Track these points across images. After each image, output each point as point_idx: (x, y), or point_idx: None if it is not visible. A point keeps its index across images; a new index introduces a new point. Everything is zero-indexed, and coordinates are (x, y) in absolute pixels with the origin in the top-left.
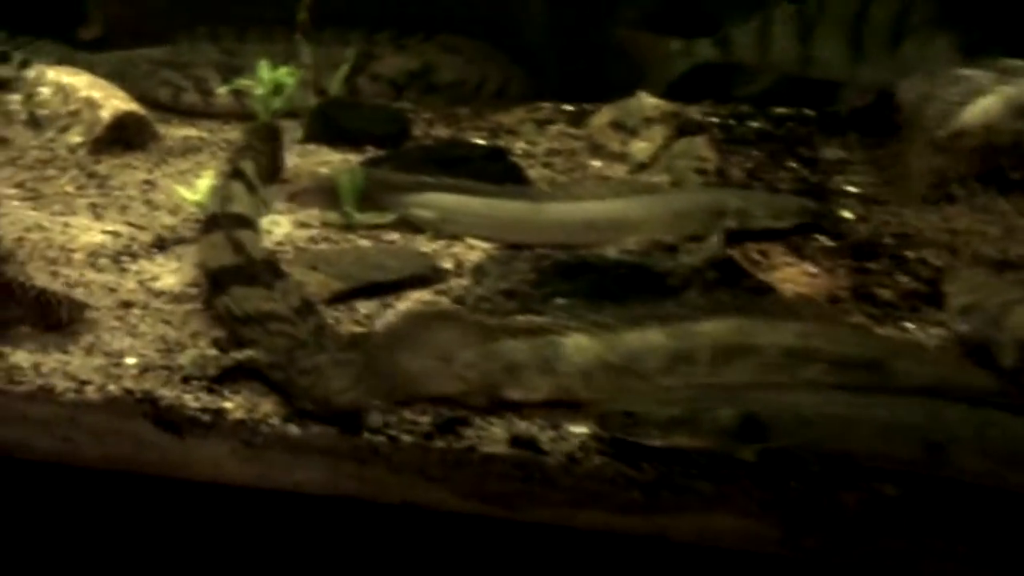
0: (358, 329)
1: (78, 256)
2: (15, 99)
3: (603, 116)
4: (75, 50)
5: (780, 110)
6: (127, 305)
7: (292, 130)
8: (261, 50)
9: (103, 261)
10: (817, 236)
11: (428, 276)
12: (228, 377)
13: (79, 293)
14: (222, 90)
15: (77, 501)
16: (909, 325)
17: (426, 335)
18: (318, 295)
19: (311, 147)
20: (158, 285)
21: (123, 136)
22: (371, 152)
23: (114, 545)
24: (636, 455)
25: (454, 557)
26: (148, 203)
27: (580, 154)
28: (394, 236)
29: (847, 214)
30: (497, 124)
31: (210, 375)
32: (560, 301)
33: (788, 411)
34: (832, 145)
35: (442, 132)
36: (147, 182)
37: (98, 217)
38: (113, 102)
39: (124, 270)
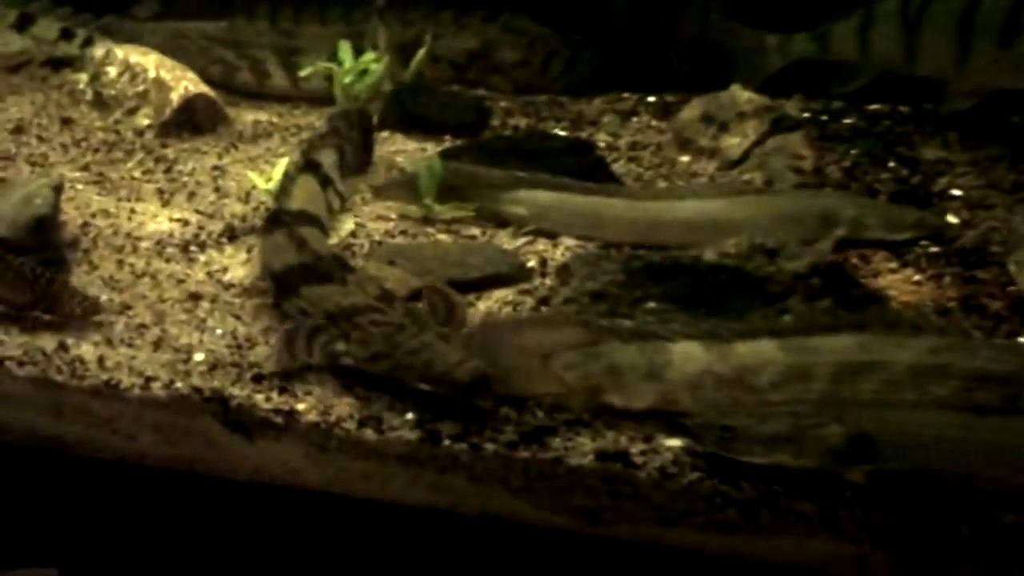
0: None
1: (144, 244)
2: (81, 78)
3: (692, 109)
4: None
5: (874, 107)
6: (196, 297)
7: None
8: (319, 31)
9: (171, 250)
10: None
11: (512, 275)
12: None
13: (145, 283)
14: (303, 72)
15: (140, 501)
16: (1022, 340)
17: (526, 332)
18: (396, 292)
19: (385, 135)
20: (228, 277)
21: (192, 119)
22: (448, 141)
23: (176, 547)
24: (734, 472)
25: (533, 574)
26: (218, 190)
27: (667, 148)
28: (475, 231)
29: (952, 219)
30: (578, 114)
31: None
32: (651, 305)
33: (901, 431)
34: (932, 145)
35: (520, 122)
36: (217, 168)
37: (166, 204)
38: (183, 84)
39: (192, 260)
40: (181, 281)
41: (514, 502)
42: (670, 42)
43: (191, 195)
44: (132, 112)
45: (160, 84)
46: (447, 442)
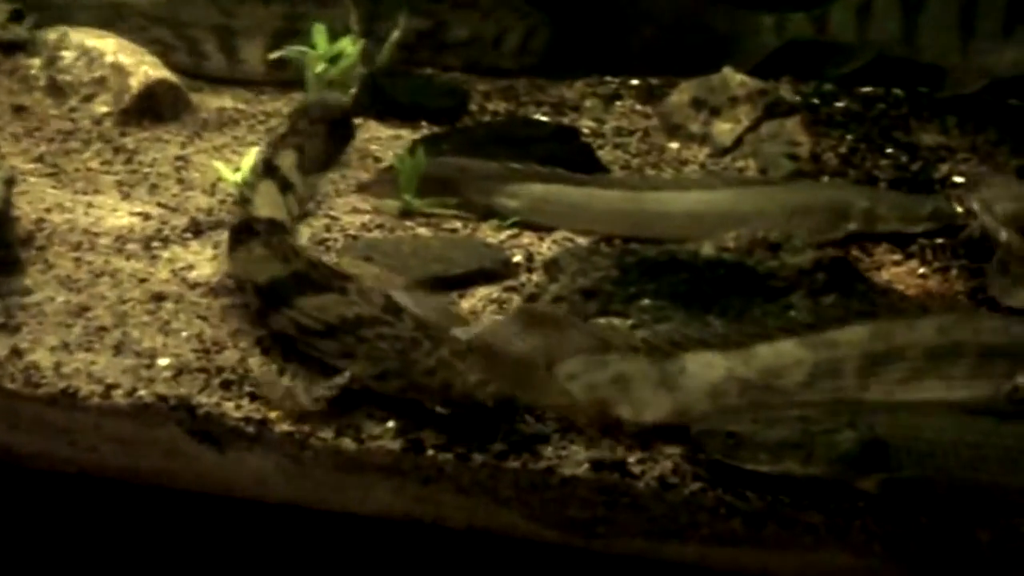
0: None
1: (104, 241)
2: (34, 63)
3: (681, 93)
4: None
5: (866, 90)
6: (159, 298)
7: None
8: (261, 12)
9: (132, 247)
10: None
11: (497, 271)
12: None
13: (105, 283)
14: (273, 56)
15: (102, 515)
16: None
17: (528, 340)
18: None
19: (359, 121)
20: (193, 275)
21: (153, 106)
22: (425, 128)
23: (141, 564)
24: (739, 481)
25: None
26: (181, 182)
27: (654, 134)
28: (456, 225)
29: (957, 207)
30: (559, 99)
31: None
32: (645, 302)
33: (916, 436)
34: (929, 130)
35: (499, 106)
36: (180, 158)
37: (126, 197)
38: (143, 69)
39: (155, 257)
40: (143, 280)
41: (503, 514)
42: (634, 20)
43: (153, 187)
44: (89, 99)
45: (119, 69)
46: (431, 451)
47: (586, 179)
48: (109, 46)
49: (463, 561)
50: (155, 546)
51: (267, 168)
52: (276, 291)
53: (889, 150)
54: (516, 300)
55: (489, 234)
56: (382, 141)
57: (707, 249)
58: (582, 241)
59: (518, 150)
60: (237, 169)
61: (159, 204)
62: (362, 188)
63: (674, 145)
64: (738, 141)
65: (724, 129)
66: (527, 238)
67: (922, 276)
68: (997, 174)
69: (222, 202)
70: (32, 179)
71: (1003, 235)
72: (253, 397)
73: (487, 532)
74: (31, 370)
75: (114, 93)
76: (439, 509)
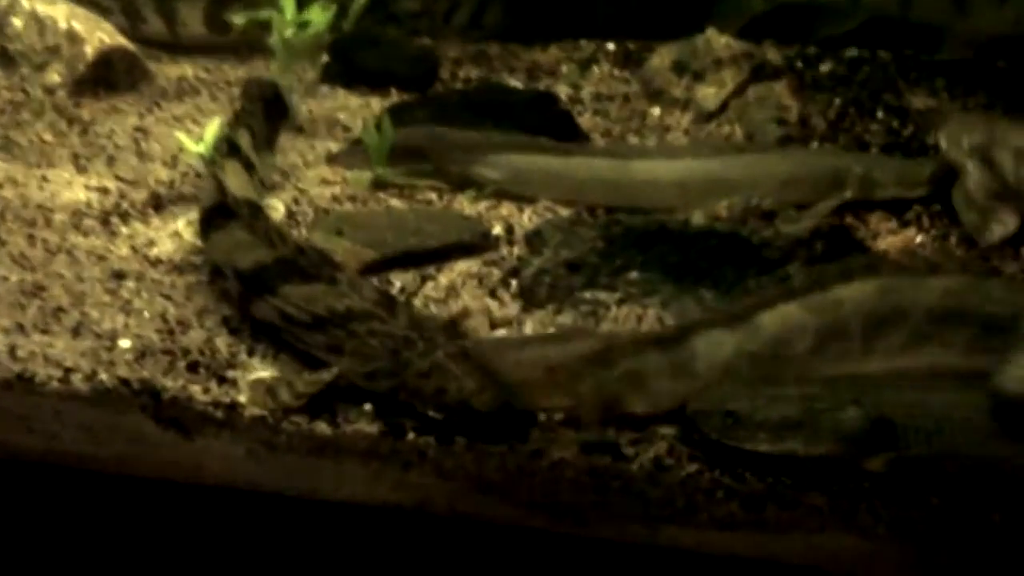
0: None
1: (59, 217)
2: None
3: (662, 56)
4: None
5: (852, 53)
6: (119, 276)
7: (304, 70)
8: None
9: (89, 223)
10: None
11: (475, 243)
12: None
13: (61, 261)
14: (237, 21)
15: (62, 506)
16: None
17: (531, 347)
18: (347, 265)
19: (325, 90)
20: (155, 252)
21: (109, 75)
22: (395, 95)
23: (104, 556)
24: (738, 462)
25: None
26: (140, 154)
27: (635, 100)
28: (431, 196)
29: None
30: (532, 64)
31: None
32: (633, 275)
33: (925, 413)
34: (919, 94)
35: (471, 72)
36: (139, 129)
37: (82, 170)
38: (98, 36)
39: (114, 234)
40: (102, 258)
41: (488, 500)
42: None
43: (110, 160)
44: (41, 68)
45: (72, 36)
46: (412, 435)
47: (568, 147)
48: (61, 12)
49: (446, 549)
50: (119, 536)
51: (231, 147)
52: (260, 278)
53: (880, 114)
54: (497, 274)
55: (466, 205)
56: (351, 110)
57: (698, 218)
58: (564, 212)
59: (494, 118)
60: (200, 140)
61: (117, 177)
62: (332, 160)
63: (656, 111)
64: (723, 106)
65: (708, 93)
66: (506, 209)
67: (920, 245)
68: (964, 111)
69: (184, 175)
70: None
71: (969, 167)
72: (221, 380)
73: (471, 518)
74: None
75: (67, 62)
76: (421, 494)
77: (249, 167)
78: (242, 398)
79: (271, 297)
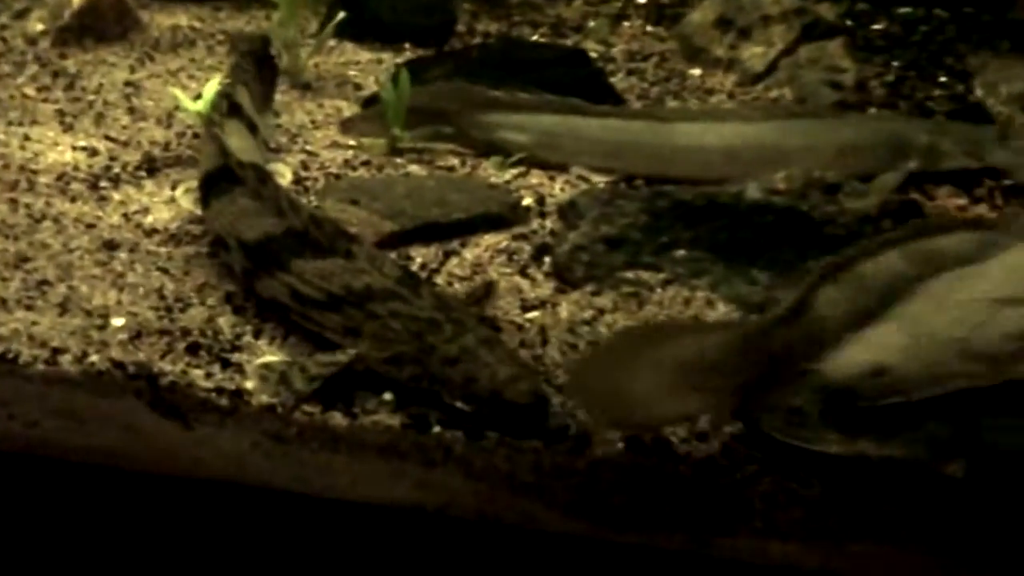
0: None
1: (44, 180)
2: None
3: (704, 12)
4: None
5: (904, 10)
6: (111, 246)
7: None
8: None
9: (76, 187)
10: None
11: (504, 215)
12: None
13: (47, 229)
14: None
15: (44, 502)
16: None
17: (641, 347)
18: (363, 238)
19: (333, 43)
20: (149, 220)
21: (96, 24)
22: (409, 51)
23: (92, 557)
24: (802, 465)
25: None
26: (132, 111)
27: (673, 59)
28: (452, 162)
29: None
30: (556, 19)
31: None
32: (680, 253)
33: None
34: (980, 55)
35: (490, 27)
36: (129, 84)
37: (68, 128)
38: None
39: (104, 199)
40: (91, 226)
41: (520, 502)
42: None
43: (99, 118)
44: (22, 16)
45: None
46: (437, 428)
47: (603, 109)
48: None
49: (472, 555)
50: (107, 537)
51: (232, 106)
52: (268, 250)
53: (942, 78)
54: (528, 250)
55: (492, 173)
56: (361, 65)
57: (752, 192)
58: (599, 180)
59: (520, 77)
60: (198, 97)
61: (107, 137)
62: (345, 125)
63: (696, 71)
64: (772, 67)
65: (755, 53)
66: (535, 178)
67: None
68: (1000, 58)
69: (180, 135)
70: None
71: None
72: (225, 364)
73: (501, 522)
74: None
75: (50, 8)
76: (445, 495)
77: (252, 128)
78: (248, 384)
79: (281, 273)
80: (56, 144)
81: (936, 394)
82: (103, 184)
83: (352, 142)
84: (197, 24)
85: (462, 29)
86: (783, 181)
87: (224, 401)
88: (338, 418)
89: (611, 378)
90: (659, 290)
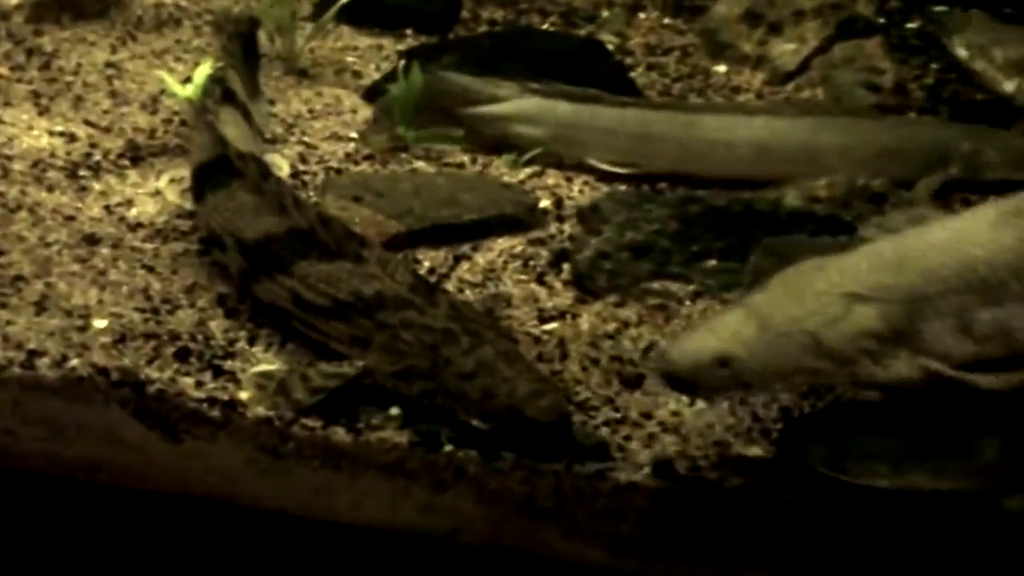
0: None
1: (18, 167)
2: None
3: (731, 5)
4: None
5: (940, 9)
6: (92, 241)
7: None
8: None
9: (54, 175)
10: None
11: (520, 218)
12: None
13: (22, 220)
14: None
15: (18, 517)
16: None
17: None
18: (368, 239)
19: (329, 26)
20: (133, 214)
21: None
22: (411, 38)
23: None
24: (847, 498)
25: None
26: (113, 95)
27: (695, 55)
28: (462, 159)
29: None
30: (567, 7)
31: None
32: (711, 263)
33: None
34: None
35: (495, 15)
36: (111, 65)
37: (44, 112)
38: None
39: (84, 189)
40: (70, 218)
41: (538, 529)
42: None
43: (77, 101)
44: None
45: None
46: (448, 447)
47: (625, 100)
48: None
49: None
50: (89, 557)
51: (226, 92)
52: (269, 251)
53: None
54: (545, 255)
55: (505, 172)
56: (360, 51)
57: (792, 199)
58: (620, 181)
59: (533, 68)
60: (187, 81)
61: (86, 122)
62: (364, 136)
63: (721, 68)
64: (804, 65)
65: (787, 50)
66: (552, 178)
67: None
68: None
69: (167, 122)
70: None
71: (1008, 87)
72: (217, 372)
73: (517, 551)
74: None
75: None
76: (456, 520)
77: (247, 117)
78: (243, 395)
79: (282, 275)
80: (31, 128)
81: (780, 390)
82: (83, 173)
83: (353, 134)
84: (183, 2)
85: (466, 16)
86: (824, 188)
87: (216, 412)
88: (341, 434)
89: None
90: (688, 303)
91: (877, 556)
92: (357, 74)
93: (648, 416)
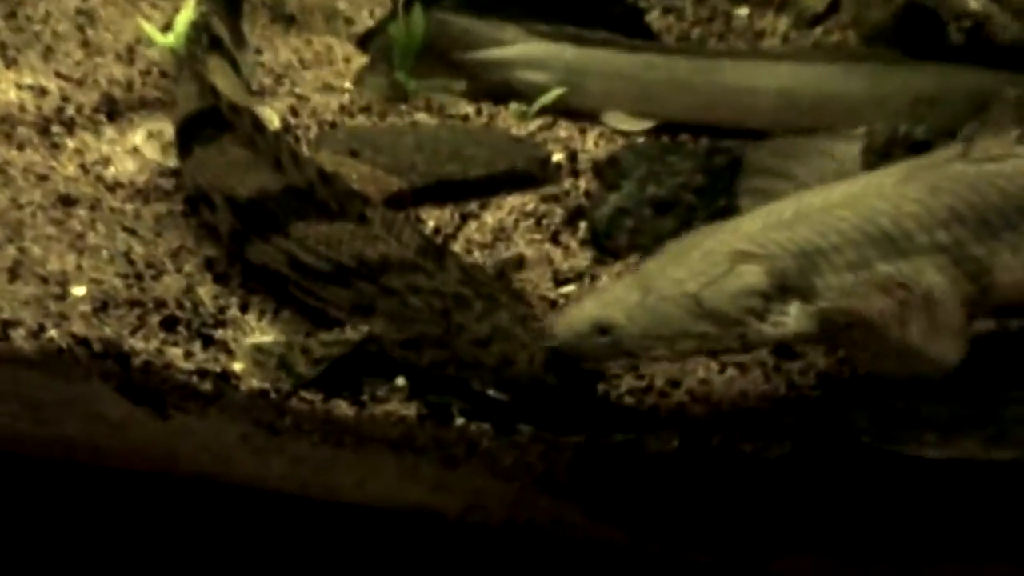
0: None
1: None
2: None
3: None
4: None
5: None
6: (67, 202)
7: None
8: None
9: (24, 131)
10: None
11: (531, 172)
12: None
13: None
14: None
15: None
16: None
17: None
18: (367, 195)
19: None
20: (111, 172)
21: None
22: None
23: (53, 562)
24: (894, 470)
25: None
26: (86, 44)
27: None
28: (466, 109)
29: None
30: None
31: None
32: None
33: None
34: None
35: None
36: (82, 12)
37: (11, 64)
38: None
39: (57, 147)
40: (43, 177)
41: (556, 507)
42: None
43: (47, 51)
44: None
45: None
46: (460, 420)
47: (639, 44)
48: None
49: (499, 568)
50: (71, 543)
51: (213, 40)
52: (263, 210)
53: None
54: (559, 213)
55: (512, 123)
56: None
57: None
58: (636, 129)
59: (540, 11)
60: (167, 28)
61: (57, 74)
62: (359, 81)
63: (743, 11)
64: (832, 6)
65: None
66: (564, 130)
67: None
68: None
69: (144, 73)
70: None
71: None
72: (208, 342)
73: (533, 530)
74: None
75: None
76: (469, 498)
77: (235, 66)
78: (236, 366)
79: (277, 236)
80: None
81: (667, 358)
82: (55, 129)
83: (347, 84)
84: None
85: None
86: (863, 137)
87: (207, 385)
88: (343, 407)
89: None
90: None
91: (926, 531)
92: (349, 20)
93: (676, 384)
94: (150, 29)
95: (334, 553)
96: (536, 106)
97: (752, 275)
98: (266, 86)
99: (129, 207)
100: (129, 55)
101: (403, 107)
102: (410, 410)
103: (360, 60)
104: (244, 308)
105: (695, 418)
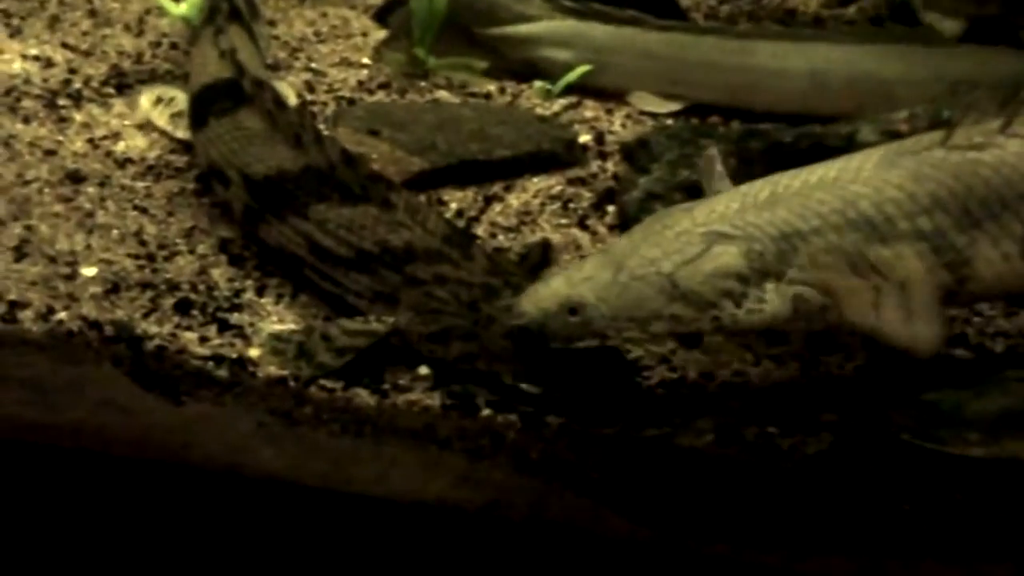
0: None
1: None
2: None
3: None
4: None
5: None
6: (75, 178)
7: None
8: None
9: (29, 104)
10: None
11: (557, 154)
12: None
13: None
14: None
15: (4, 489)
16: None
17: None
18: (386, 175)
19: None
20: (121, 148)
21: None
22: None
23: (58, 555)
24: (936, 469)
25: None
26: (93, 14)
27: None
28: (488, 87)
29: None
30: None
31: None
32: None
33: None
34: None
35: None
36: None
37: (15, 33)
38: None
39: (64, 120)
40: (50, 152)
41: (584, 503)
42: None
43: (53, 21)
44: None
45: None
46: (486, 411)
47: (667, 23)
48: None
49: (523, 565)
50: (80, 533)
51: (232, 10)
52: (281, 189)
53: None
54: (587, 196)
55: (537, 103)
56: None
57: (867, 134)
58: (665, 110)
59: None
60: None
61: (64, 45)
62: (378, 54)
63: None
64: None
65: None
66: (590, 110)
67: None
68: None
69: (155, 44)
70: None
71: None
72: (224, 326)
73: (559, 527)
74: None
75: None
76: (493, 492)
77: (252, 38)
78: (253, 352)
79: (295, 218)
80: (1, 52)
81: (639, 340)
82: (62, 102)
83: (365, 59)
84: None
85: None
86: (905, 122)
87: (223, 372)
88: (364, 396)
89: None
90: None
91: (969, 533)
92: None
93: (710, 376)
94: None
95: (349, 546)
96: (561, 84)
97: (729, 256)
98: (281, 60)
99: (140, 184)
100: (139, 25)
101: (423, 84)
102: (433, 400)
103: (378, 34)
104: (260, 291)
105: (729, 412)
